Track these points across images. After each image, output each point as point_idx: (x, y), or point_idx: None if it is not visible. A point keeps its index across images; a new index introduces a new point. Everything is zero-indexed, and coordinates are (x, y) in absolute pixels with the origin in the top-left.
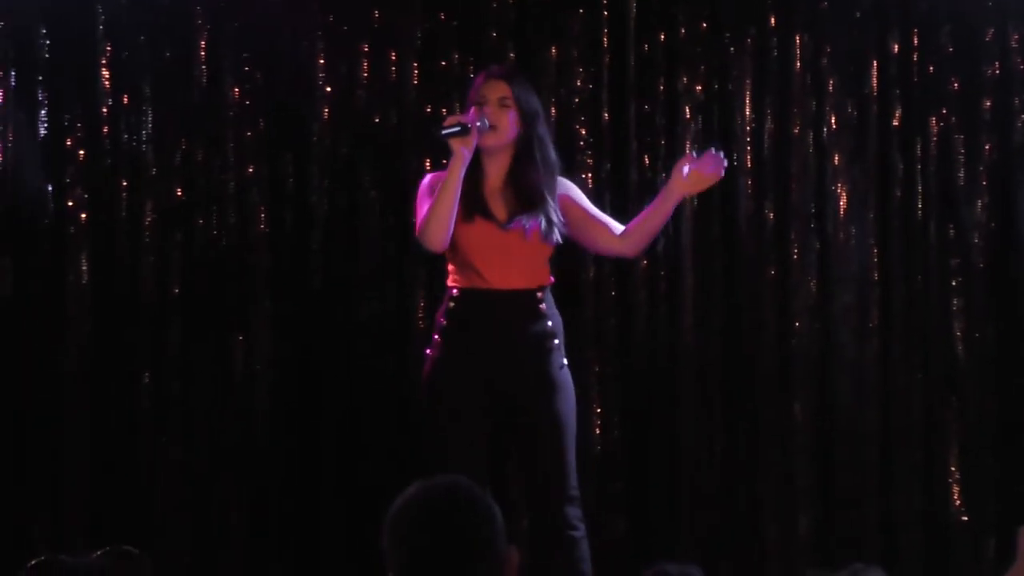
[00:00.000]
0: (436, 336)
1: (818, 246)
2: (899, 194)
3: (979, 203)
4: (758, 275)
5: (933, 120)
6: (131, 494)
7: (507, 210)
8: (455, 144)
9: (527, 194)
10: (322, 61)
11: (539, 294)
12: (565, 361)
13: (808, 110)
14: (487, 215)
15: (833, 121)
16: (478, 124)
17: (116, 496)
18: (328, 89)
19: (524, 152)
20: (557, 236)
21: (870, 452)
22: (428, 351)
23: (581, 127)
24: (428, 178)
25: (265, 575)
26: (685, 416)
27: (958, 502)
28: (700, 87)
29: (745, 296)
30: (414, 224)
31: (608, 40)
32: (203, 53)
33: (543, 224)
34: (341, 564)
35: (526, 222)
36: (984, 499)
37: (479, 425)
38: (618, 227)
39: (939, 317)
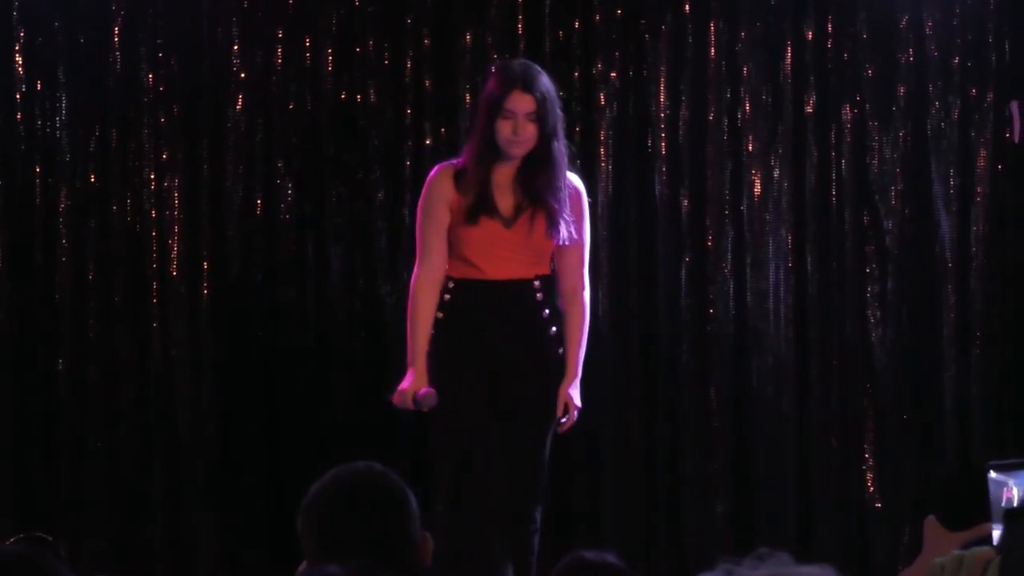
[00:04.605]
0: (432, 330)
1: (733, 232)
2: (813, 180)
3: (893, 190)
4: (673, 261)
5: (847, 106)
6: (49, 481)
7: (513, 206)
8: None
9: (534, 193)
10: (237, 47)
11: (536, 283)
12: (561, 350)
13: (723, 96)
14: (493, 214)
15: (748, 107)
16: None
17: (34, 483)
18: (243, 75)
19: (537, 155)
20: (563, 235)
21: (786, 438)
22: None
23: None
24: (434, 176)
25: (184, 561)
26: (602, 402)
27: (872, 489)
28: (615, 74)
29: (660, 282)
30: (414, 239)
31: (523, 26)
32: (117, 39)
33: (548, 224)
34: (261, 549)
35: (538, 221)
36: (899, 487)
37: (483, 414)
38: (569, 281)
39: (854, 303)
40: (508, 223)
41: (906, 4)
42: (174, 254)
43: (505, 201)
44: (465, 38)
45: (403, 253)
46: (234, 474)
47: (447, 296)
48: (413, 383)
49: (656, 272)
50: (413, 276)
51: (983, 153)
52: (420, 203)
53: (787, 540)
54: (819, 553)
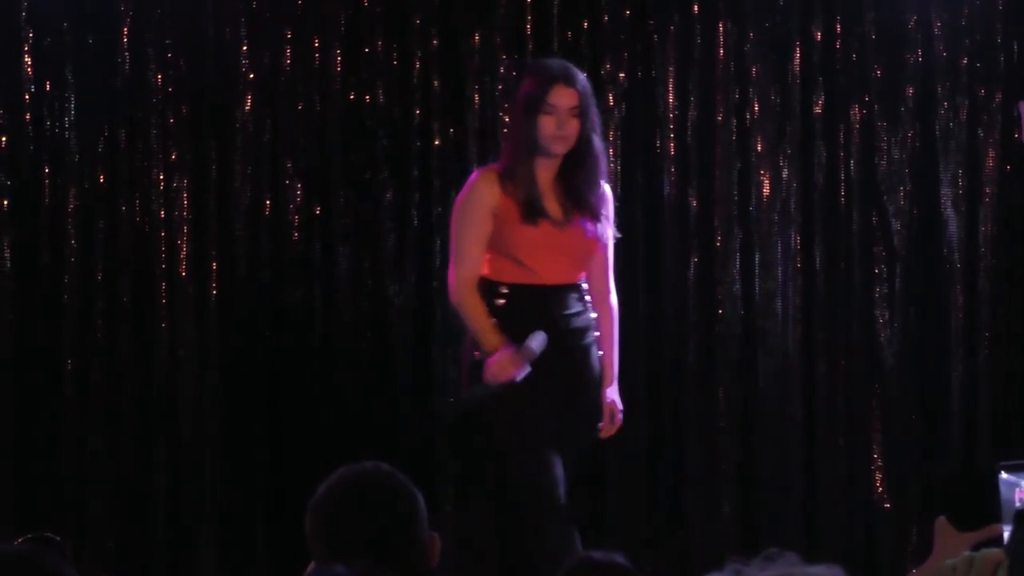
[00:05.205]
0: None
1: (741, 233)
2: (822, 181)
3: (901, 190)
4: (681, 261)
5: (856, 107)
6: (55, 481)
7: (561, 208)
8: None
9: (578, 193)
10: (245, 47)
11: (584, 286)
12: (601, 353)
13: (731, 97)
14: (545, 215)
15: (756, 108)
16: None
17: (40, 483)
18: (252, 76)
19: (578, 152)
20: (606, 235)
21: (793, 439)
22: (476, 352)
23: (504, 115)
24: (477, 180)
25: (188, 561)
26: None
27: (880, 489)
28: (623, 74)
29: (668, 283)
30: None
31: (532, 27)
32: (126, 39)
33: (600, 224)
34: (265, 550)
35: (585, 222)
36: (907, 487)
37: (543, 419)
38: (597, 283)
39: (861, 304)
40: (560, 225)
41: (914, 5)
42: (182, 254)
43: (552, 203)
44: (473, 38)
45: (410, 254)
46: (239, 474)
47: (501, 301)
48: (510, 349)
49: (664, 272)
50: (451, 279)
51: (991, 154)
52: (459, 207)
53: (794, 541)
54: (826, 554)
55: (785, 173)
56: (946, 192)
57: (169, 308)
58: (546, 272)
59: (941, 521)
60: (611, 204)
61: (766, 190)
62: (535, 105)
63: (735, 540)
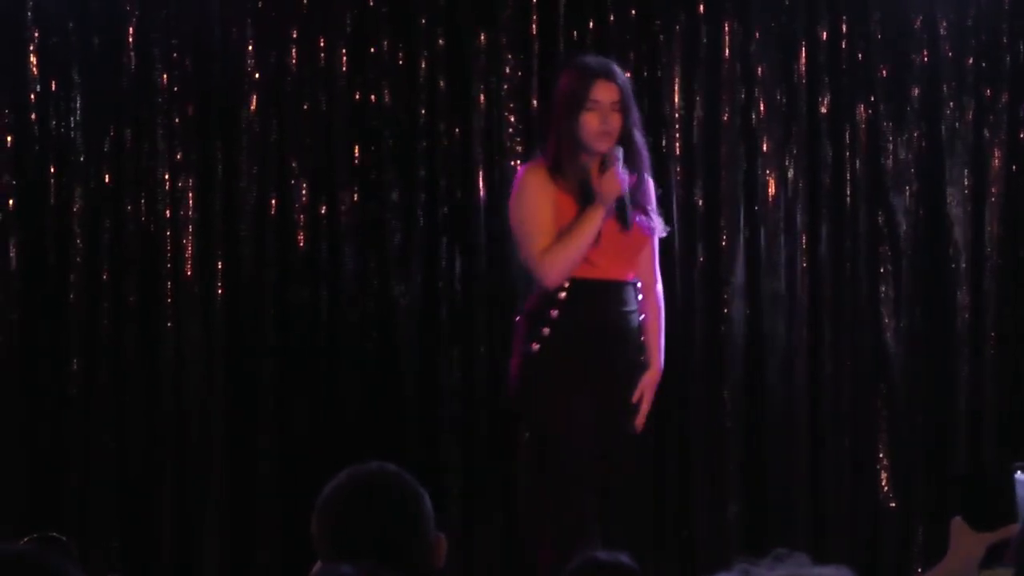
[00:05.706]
0: (546, 329)
1: (747, 233)
2: (828, 181)
3: (908, 191)
4: (687, 261)
5: (862, 107)
6: (61, 481)
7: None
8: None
9: (629, 188)
10: (251, 47)
11: (639, 284)
12: (644, 357)
13: (737, 97)
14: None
15: (762, 108)
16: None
17: (46, 483)
18: (257, 76)
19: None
20: (656, 228)
21: (799, 438)
22: (534, 345)
23: (510, 114)
24: (529, 176)
25: (193, 561)
26: None
27: (887, 488)
28: (629, 74)
29: (675, 282)
30: (520, 241)
31: (538, 27)
32: (131, 39)
33: (650, 219)
34: (274, 551)
35: (636, 216)
36: (913, 486)
37: (593, 418)
38: (644, 276)
39: (868, 304)
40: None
41: (920, 5)
42: (188, 254)
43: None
44: (479, 38)
45: (416, 254)
46: (244, 474)
47: (563, 295)
48: (605, 173)
49: (670, 272)
50: (532, 263)
51: (997, 154)
52: (515, 202)
53: (799, 540)
54: (832, 554)
55: (791, 173)
56: (952, 192)
57: (175, 308)
58: (607, 266)
59: (957, 521)
60: (654, 197)
61: (772, 190)
62: (577, 102)
63: (740, 540)
